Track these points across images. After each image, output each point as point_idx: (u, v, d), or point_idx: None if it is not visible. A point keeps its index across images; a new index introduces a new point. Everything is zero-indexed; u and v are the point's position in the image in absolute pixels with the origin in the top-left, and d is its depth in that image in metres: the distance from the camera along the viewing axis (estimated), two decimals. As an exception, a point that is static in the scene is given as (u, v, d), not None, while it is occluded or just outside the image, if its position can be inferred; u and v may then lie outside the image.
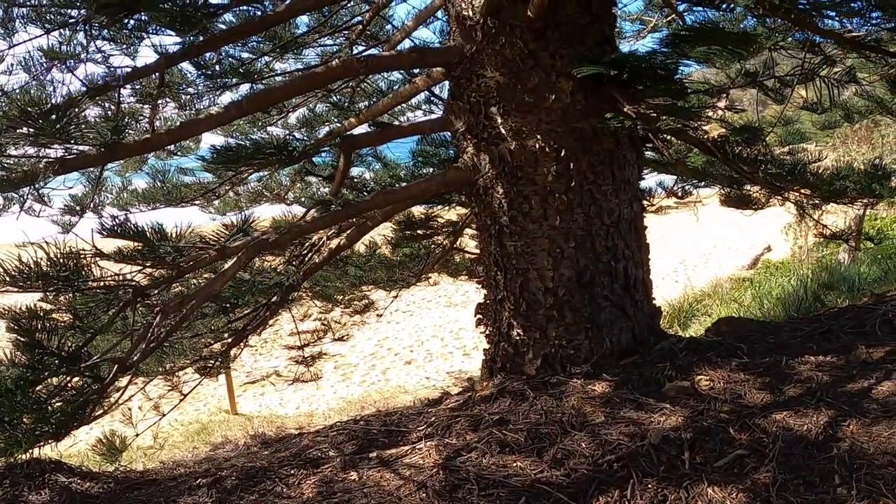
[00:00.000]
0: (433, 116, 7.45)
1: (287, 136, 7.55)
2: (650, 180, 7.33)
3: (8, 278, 3.60)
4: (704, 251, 21.42)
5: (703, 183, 6.85)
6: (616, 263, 4.40)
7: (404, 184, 7.04)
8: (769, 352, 4.18)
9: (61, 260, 3.69)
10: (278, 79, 6.92)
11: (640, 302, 4.56)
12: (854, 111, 7.03)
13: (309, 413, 12.45)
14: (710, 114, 5.62)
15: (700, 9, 4.58)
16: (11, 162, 4.26)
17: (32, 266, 3.63)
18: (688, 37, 3.77)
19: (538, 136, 4.22)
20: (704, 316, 11.55)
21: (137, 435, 6.12)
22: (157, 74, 5.23)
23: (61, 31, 4.73)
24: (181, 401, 6.46)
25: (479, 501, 2.98)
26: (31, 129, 3.80)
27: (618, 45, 4.75)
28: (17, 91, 4.76)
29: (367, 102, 7.58)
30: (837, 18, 3.82)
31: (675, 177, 7.31)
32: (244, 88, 6.80)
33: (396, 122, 7.97)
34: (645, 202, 6.16)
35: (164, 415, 6.69)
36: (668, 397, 3.69)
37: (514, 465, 3.23)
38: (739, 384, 3.71)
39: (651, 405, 3.62)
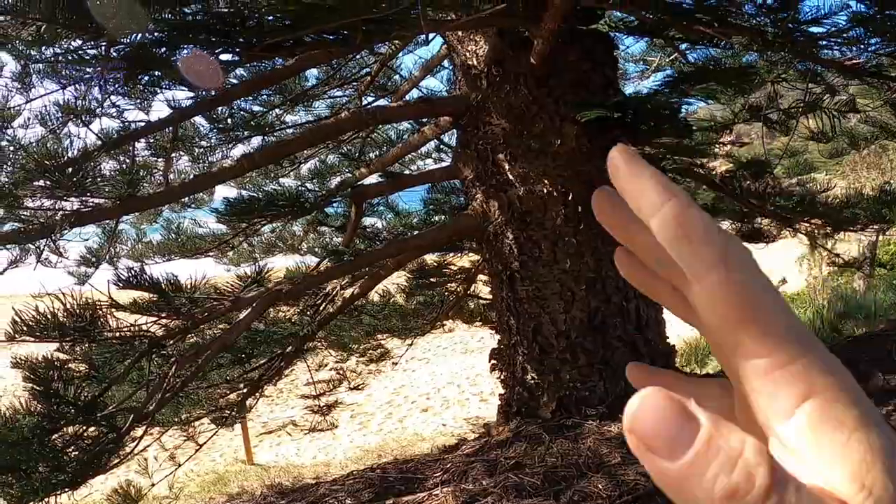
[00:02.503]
0: (443, 164, 7.52)
1: (299, 188, 7.61)
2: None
3: (25, 328, 3.65)
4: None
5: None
6: (627, 304, 4.42)
7: (416, 232, 7.09)
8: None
9: (77, 311, 3.74)
10: (289, 131, 7.01)
11: (654, 341, 4.57)
12: (860, 138, 7.06)
13: (326, 462, 12.35)
14: (717, 150, 5.67)
15: (701, 47, 4.63)
16: (28, 214, 4.33)
17: (49, 317, 3.68)
18: (689, 76, 3.83)
19: (545, 181, 4.26)
20: (722, 354, 11.47)
21: (153, 485, 6.11)
22: (170, 128, 5.31)
23: (77, 85, 4.82)
24: (197, 451, 6.45)
25: (497, 546, 2.99)
26: (48, 182, 3.86)
27: (622, 86, 4.80)
28: (34, 144, 4.86)
29: (377, 152, 7.66)
30: (836, 48, 3.86)
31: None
32: (256, 141, 6.90)
33: (407, 171, 8.06)
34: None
35: (179, 465, 6.67)
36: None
37: (532, 508, 3.24)
38: (755, 420, 3.69)
39: (668, 444, 3.60)
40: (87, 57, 3.08)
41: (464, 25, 4.27)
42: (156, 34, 2.67)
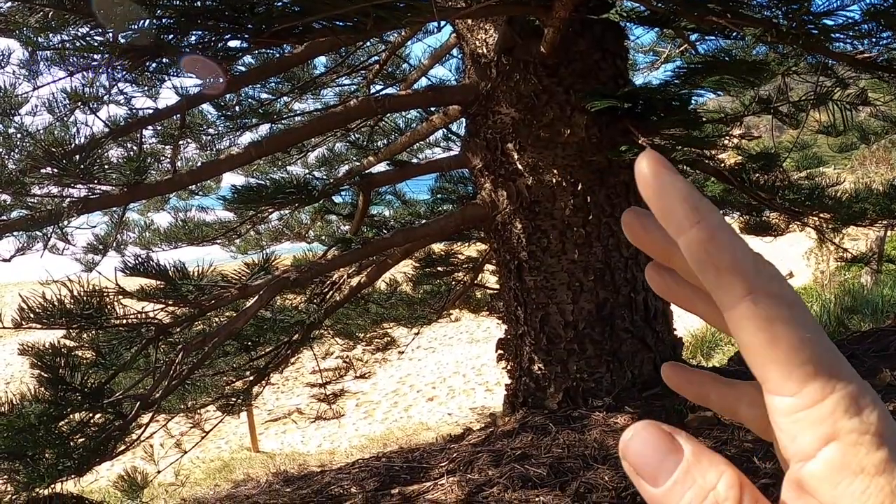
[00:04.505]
0: (451, 153, 7.50)
1: (307, 176, 7.61)
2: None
3: (32, 315, 3.66)
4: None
5: (721, 211, 6.83)
6: (636, 295, 4.41)
7: (423, 221, 7.08)
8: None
9: (85, 298, 3.74)
10: (297, 119, 7.00)
11: (661, 333, 4.56)
12: (870, 132, 7.02)
13: (331, 450, 12.38)
14: (726, 142, 5.64)
15: (712, 38, 4.60)
16: (35, 201, 4.33)
17: (56, 304, 3.68)
18: (700, 68, 3.80)
19: (555, 171, 4.25)
20: (728, 345, 11.45)
21: (159, 472, 6.13)
22: (178, 115, 5.30)
23: (84, 73, 4.81)
24: (203, 438, 6.46)
25: (502, 536, 2.99)
26: (55, 169, 3.86)
27: (631, 77, 4.78)
28: (42, 132, 4.85)
29: (385, 141, 7.64)
30: (848, 41, 3.83)
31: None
32: (264, 129, 6.89)
33: (415, 160, 8.04)
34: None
35: (185, 452, 6.70)
36: (691, 428, 3.68)
37: (537, 499, 3.23)
38: (763, 413, 3.69)
39: (674, 436, 3.60)
40: (95, 44, 3.07)
41: (475, 13, 4.24)
42: (164, 20, 2.66)
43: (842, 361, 0.40)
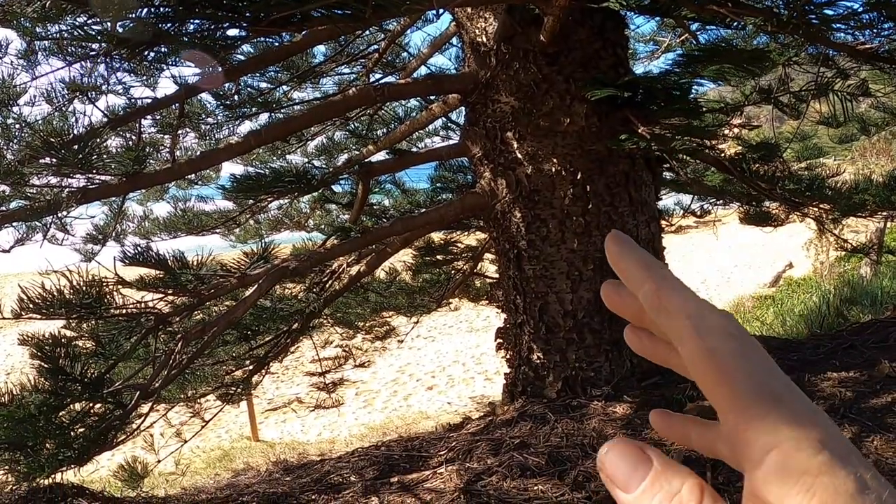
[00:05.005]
0: (451, 142, 7.50)
1: (306, 165, 7.60)
2: (668, 200, 7.33)
3: (32, 305, 3.66)
4: (726, 270, 21.28)
5: (721, 201, 6.84)
6: None
7: (423, 209, 7.07)
8: (792, 369, 4.17)
9: (84, 288, 3.74)
10: (297, 108, 6.99)
11: None
12: (870, 123, 7.03)
13: (331, 439, 12.41)
14: (726, 132, 5.63)
15: (712, 27, 4.60)
16: (34, 191, 4.32)
17: (56, 294, 3.68)
18: (700, 56, 3.79)
19: (554, 160, 4.25)
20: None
21: (159, 461, 6.13)
22: (177, 105, 5.29)
23: (83, 63, 4.79)
24: (203, 427, 6.48)
25: (501, 524, 3.00)
26: (54, 160, 3.85)
27: (631, 66, 4.78)
28: (40, 122, 4.84)
29: (384, 129, 7.63)
30: (849, 31, 3.82)
31: (692, 196, 7.31)
32: (263, 118, 6.88)
33: (414, 149, 8.03)
34: (664, 222, 6.16)
35: (185, 441, 6.71)
36: (689, 418, 3.67)
37: (536, 488, 3.23)
38: (761, 403, 3.68)
39: (672, 426, 3.59)
40: (93, 33, 3.05)
41: (475, 1, 4.24)
42: (162, 9, 2.65)
43: (785, 384, 0.45)
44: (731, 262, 21.94)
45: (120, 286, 3.88)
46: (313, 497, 3.66)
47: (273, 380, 16.07)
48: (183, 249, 4.27)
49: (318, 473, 4.24)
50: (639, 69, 8.41)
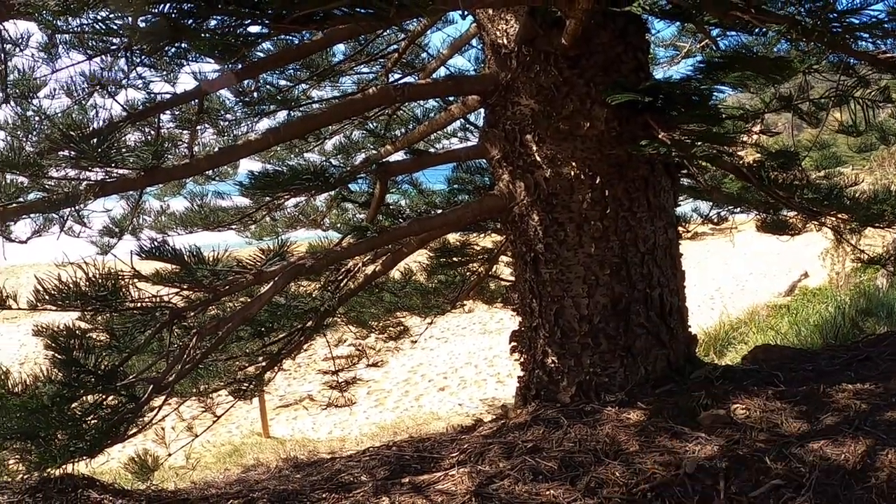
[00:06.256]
0: (469, 143, 7.49)
1: (324, 163, 7.62)
2: (686, 206, 7.32)
3: (47, 297, 3.68)
4: (741, 278, 21.24)
5: (738, 209, 6.82)
6: (651, 291, 4.40)
7: (440, 210, 7.08)
8: (806, 380, 4.15)
9: (100, 280, 3.75)
10: (315, 106, 7.01)
11: (676, 330, 4.55)
12: (890, 133, 6.99)
13: (341, 438, 12.47)
14: (745, 139, 5.61)
15: (733, 33, 4.58)
16: (52, 183, 4.34)
17: (71, 286, 3.69)
18: (721, 64, 3.78)
19: (573, 164, 4.24)
20: (741, 344, 11.43)
21: (170, 455, 6.17)
22: (196, 101, 5.30)
23: (103, 57, 4.81)
24: (214, 422, 6.51)
25: (512, 529, 3.00)
26: (73, 153, 3.87)
27: (652, 71, 4.77)
28: (60, 115, 4.86)
29: (402, 129, 7.65)
30: (871, 40, 3.80)
31: (710, 203, 7.29)
32: (281, 115, 6.90)
33: (432, 150, 8.04)
34: (680, 228, 6.16)
35: (196, 436, 6.74)
36: (703, 426, 3.66)
37: (547, 493, 3.22)
38: (776, 413, 3.68)
39: (686, 434, 3.60)
40: (115, 28, 3.07)
41: (497, 2, 4.24)
42: (184, 4, 2.65)
43: None
44: (746, 269, 21.89)
45: (136, 280, 3.90)
46: (324, 496, 3.65)
47: (285, 376, 16.15)
48: (199, 244, 4.29)
49: (328, 472, 4.24)
50: (659, 74, 8.41)
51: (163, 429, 5.79)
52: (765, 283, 19.77)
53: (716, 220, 7.61)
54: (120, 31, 3.09)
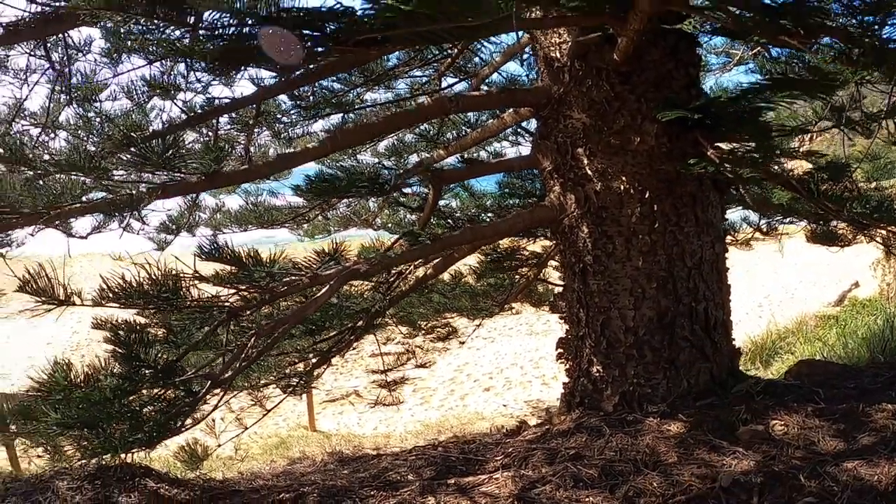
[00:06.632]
0: (521, 152, 7.57)
1: (377, 165, 7.73)
2: (735, 215, 7.31)
3: (111, 295, 3.84)
4: (790, 286, 20.93)
5: (788, 219, 6.81)
6: (697, 305, 4.45)
7: (490, 214, 7.18)
8: (847, 398, 4.18)
9: (162, 280, 3.92)
10: (369, 109, 7.14)
11: (720, 343, 4.59)
12: (943, 144, 6.92)
13: (386, 434, 12.55)
14: (795, 146, 5.62)
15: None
16: (114, 184, 4.51)
17: (135, 285, 3.86)
18: (773, 84, 3.82)
19: (623, 178, 4.31)
20: (787, 354, 11.34)
21: (219, 445, 6.31)
22: (253, 105, 5.45)
23: (163, 61, 4.97)
24: (264, 416, 6.62)
25: (553, 534, 3.10)
26: (137, 157, 4.02)
27: (704, 78, 4.80)
28: (120, 116, 5.03)
29: (454, 133, 7.74)
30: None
31: (759, 213, 7.28)
32: (335, 118, 7.03)
33: (483, 153, 8.14)
34: (729, 237, 6.16)
35: (246, 428, 6.87)
36: (741, 441, 3.72)
37: (587, 499, 3.32)
38: (813, 430, 3.72)
39: (724, 448, 3.66)
40: (183, 47, 3.21)
41: (550, 24, 4.32)
42: (249, 27, 2.79)
43: None
44: (796, 278, 21.59)
45: (197, 281, 4.06)
46: (372, 493, 3.77)
47: (332, 372, 16.29)
48: (252, 240, 4.41)
49: (375, 469, 4.35)
50: (711, 81, 8.42)
51: (213, 420, 5.93)
52: (814, 292, 19.48)
53: (765, 231, 7.59)
54: (186, 50, 3.23)
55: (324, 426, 14.18)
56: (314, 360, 5.89)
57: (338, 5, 2.64)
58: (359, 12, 2.77)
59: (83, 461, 4.05)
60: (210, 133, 6.30)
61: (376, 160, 8.45)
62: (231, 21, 2.80)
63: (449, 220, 7.10)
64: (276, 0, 2.82)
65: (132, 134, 4.52)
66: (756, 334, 12.95)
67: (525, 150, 8.33)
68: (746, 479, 3.31)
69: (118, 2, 2.88)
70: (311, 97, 6.52)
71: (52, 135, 5.95)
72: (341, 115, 6.98)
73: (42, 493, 4.07)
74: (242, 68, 3.56)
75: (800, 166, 5.36)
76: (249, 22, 2.79)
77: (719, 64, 8.52)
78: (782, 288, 21.14)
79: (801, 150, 5.64)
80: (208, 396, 4.33)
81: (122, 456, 4.12)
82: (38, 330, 25.91)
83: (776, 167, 4.53)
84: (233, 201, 7.66)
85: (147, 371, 3.99)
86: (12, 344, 24.81)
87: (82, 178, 4.44)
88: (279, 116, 6.77)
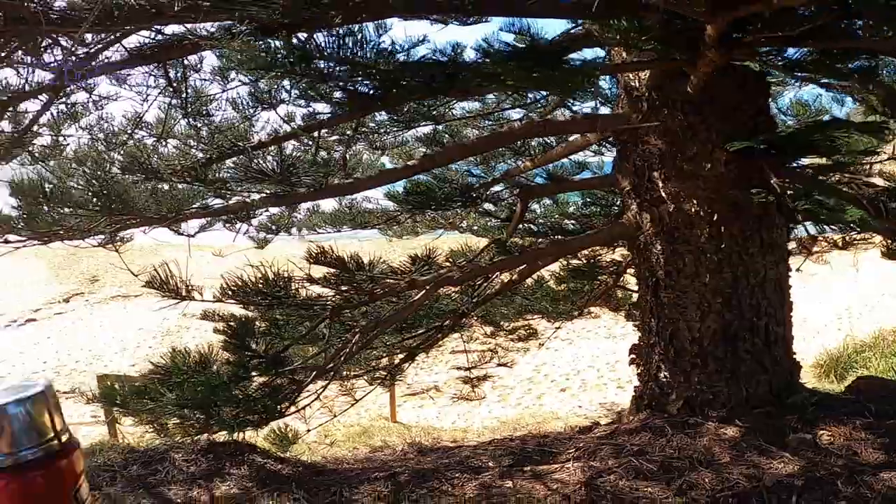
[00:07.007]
0: (603, 158, 7.84)
1: (465, 173, 8.06)
2: (809, 226, 7.42)
3: (230, 292, 4.36)
4: (870, 298, 20.39)
5: (861, 234, 6.91)
6: (758, 320, 4.73)
7: (572, 222, 7.48)
8: (896, 414, 4.45)
9: (274, 281, 4.43)
10: (459, 121, 7.50)
11: (779, 357, 4.86)
12: None
13: (464, 429, 12.72)
14: (868, 166, 5.82)
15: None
16: (227, 189, 4.97)
17: (251, 285, 4.38)
18: (830, 124, 4.10)
19: (694, 201, 4.63)
20: (863, 369, 11.25)
21: (308, 430, 6.72)
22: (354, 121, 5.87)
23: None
24: (352, 405, 6.93)
25: (613, 515, 3.54)
26: (256, 173, 4.50)
27: (783, 94, 5.02)
28: (228, 126, 5.51)
29: (539, 141, 8.03)
30: None
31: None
32: (426, 128, 7.41)
33: (566, 160, 8.46)
34: (803, 250, 6.32)
35: (335, 415, 7.24)
36: (789, 447, 4.06)
37: (645, 489, 3.73)
38: (858, 442, 4.03)
39: (773, 452, 4.01)
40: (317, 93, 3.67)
41: (627, 68, 4.71)
42: (371, 84, 3.27)
43: None
44: (876, 290, 21.08)
45: (306, 283, 4.55)
46: (456, 475, 4.24)
47: (414, 367, 16.59)
48: (335, 236, 4.81)
49: (458, 457, 4.79)
50: (789, 95, 8.55)
51: (304, 407, 6.38)
52: (894, 304, 19.05)
53: (841, 245, 7.69)
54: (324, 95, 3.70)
55: (404, 418, 14.44)
56: (402, 356, 6.28)
57: (448, 61, 3.12)
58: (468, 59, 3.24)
59: (186, 437, 4.59)
60: (310, 142, 6.70)
61: (465, 167, 8.78)
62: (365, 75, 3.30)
63: (532, 226, 7.45)
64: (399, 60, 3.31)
65: (238, 143, 5.03)
66: (832, 348, 12.87)
67: (607, 158, 8.61)
68: (789, 480, 3.67)
69: (265, 62, 3.34)
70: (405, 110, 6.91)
71: (164, 143, 6.41)
72: (433, 125, 7.33)
73: (160, 463, 4.62)
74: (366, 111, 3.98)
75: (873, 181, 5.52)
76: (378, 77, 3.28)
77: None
78: (861, 300, 20.70)
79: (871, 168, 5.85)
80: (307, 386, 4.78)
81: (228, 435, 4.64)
82: (130, 316, 26.93)
83: (845, 187, 4.77)
84: (327, 204, 8.06)
85: (257, 360, 4.47)
86: (105, 328, 25.86)
87: (201, 187, 4.95)
88: (376, 128, 7.17)
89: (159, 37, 4.84)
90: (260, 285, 4.42)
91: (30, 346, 24.24)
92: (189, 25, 4.51)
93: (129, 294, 29.77)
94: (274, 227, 7.66)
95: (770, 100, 5.37)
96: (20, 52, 4.40)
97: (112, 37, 4.71)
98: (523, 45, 3.82)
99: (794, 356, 5.14)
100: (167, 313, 25.23)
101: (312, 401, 5.05)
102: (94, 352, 23.38)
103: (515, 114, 7.84)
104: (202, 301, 4.57)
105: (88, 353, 23.17)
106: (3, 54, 4.15)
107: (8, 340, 25.01)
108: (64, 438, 1.70)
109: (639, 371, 5.38)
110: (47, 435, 1.63)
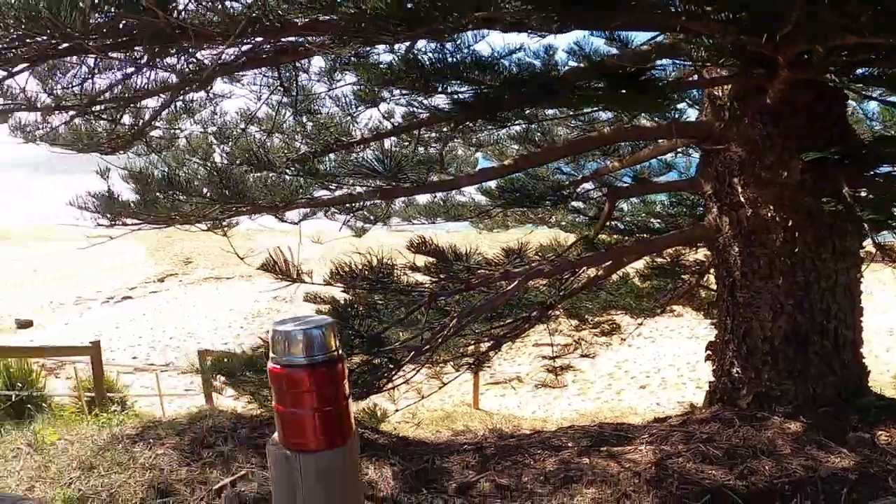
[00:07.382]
0: (690, 159, 8.04)
1: (555, 169, 8.32)
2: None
3: (339, 276, 4.78)
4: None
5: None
6: (828, 324, 4.91)
7: (658, 220, 7.71)
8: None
9: (378, 267, 4.83)
10: (551, 120, 7.79)
11: (847, 361, 5.02)
12: None
13: (544, 419, 13.03)
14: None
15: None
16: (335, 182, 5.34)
17: (357, 270, 4.79)
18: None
19: (771, 207, 4.85)
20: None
21: (396, 411, 7.03)
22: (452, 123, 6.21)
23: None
24: (440, 388, 7.25)
25: (677, 491, 3.89)
26: (367, 170, 4.89)
27: (867, 104, 5.20)
28: (332, 122, 5.89)
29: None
30: None
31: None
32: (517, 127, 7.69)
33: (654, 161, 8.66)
34: (879, 256, 6.43)
35: (423, 397, 7.58)
36: (848, 444, 4.27)
37: (710, 472, 4.06)
38: (914, 445, 4.24)
39: (831, 448, 4.25)
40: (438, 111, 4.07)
41: (712, 83, 4.98)
42: (480, 90, 3.67)
43: None
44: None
45: (408, 271, 4.96)
46: (538, 452, 4.62)
47: (498, 356, 16.85)
48: (423, 226, 5.11)
49: (539, 438, 5.15)
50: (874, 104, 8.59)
51: (396, 386, 6.76)
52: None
53: None
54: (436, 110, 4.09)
55: (485, 405, 14.77)
56: (489, 344, 6.51)
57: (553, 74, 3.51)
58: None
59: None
60: (408, 140, 7.04)
61: (555, 165, 9.02)
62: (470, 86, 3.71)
63: (618, 224, 7.71)
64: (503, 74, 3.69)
65: (342, 139, 5.42)
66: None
67: (693, 157, 8.76)
68: (843, 474, 3.92)
69: (388, 79, 3.76)
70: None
71: (271, 138, 6.81)
72: (526, 124, 7.62)
73: (267, 427, 5.07)
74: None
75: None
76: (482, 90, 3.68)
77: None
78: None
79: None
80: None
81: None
82: (222, 297, 27.87)
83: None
84: (422, 197, 8.37)
85: (358, 340, 4.84)
86: (198, 308, 26.83)
87: (311, 180, 5.34)
88: (470, 125, 7.49)
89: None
90: (366, 272, 4.84)
91: (125, 321, 25.33)
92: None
93: (220, 276, 30.86)
94: (372, 218, 8.03)
95: (856, 104, 5.58)
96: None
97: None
98: (613, 67, 4.12)
99: (863, 361, 5.27)
100: (259, 297, 26.09)
101: (403, 382, 5.45)
102: (187, 329, 24.31)
103: (605, 114, 8.09)
104: (311, 284, 5.03)
105: (182, 331, 24.11)
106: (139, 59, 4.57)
107: (106, 316, 26.17)
108: (339, 353, 2.44)
109: (714, 367, 5.62)
110: (331, 349, 2.37)
